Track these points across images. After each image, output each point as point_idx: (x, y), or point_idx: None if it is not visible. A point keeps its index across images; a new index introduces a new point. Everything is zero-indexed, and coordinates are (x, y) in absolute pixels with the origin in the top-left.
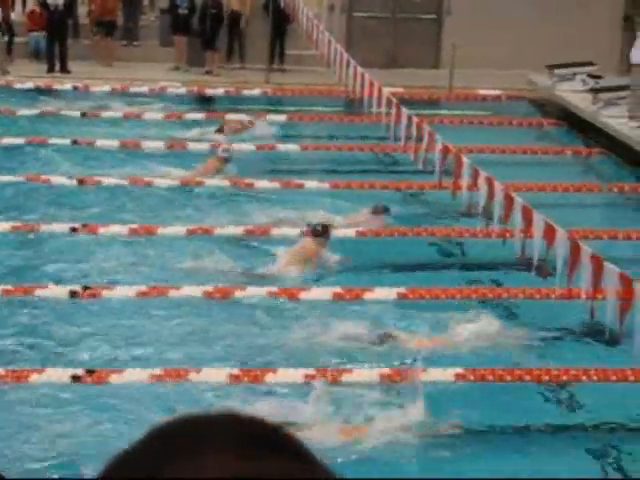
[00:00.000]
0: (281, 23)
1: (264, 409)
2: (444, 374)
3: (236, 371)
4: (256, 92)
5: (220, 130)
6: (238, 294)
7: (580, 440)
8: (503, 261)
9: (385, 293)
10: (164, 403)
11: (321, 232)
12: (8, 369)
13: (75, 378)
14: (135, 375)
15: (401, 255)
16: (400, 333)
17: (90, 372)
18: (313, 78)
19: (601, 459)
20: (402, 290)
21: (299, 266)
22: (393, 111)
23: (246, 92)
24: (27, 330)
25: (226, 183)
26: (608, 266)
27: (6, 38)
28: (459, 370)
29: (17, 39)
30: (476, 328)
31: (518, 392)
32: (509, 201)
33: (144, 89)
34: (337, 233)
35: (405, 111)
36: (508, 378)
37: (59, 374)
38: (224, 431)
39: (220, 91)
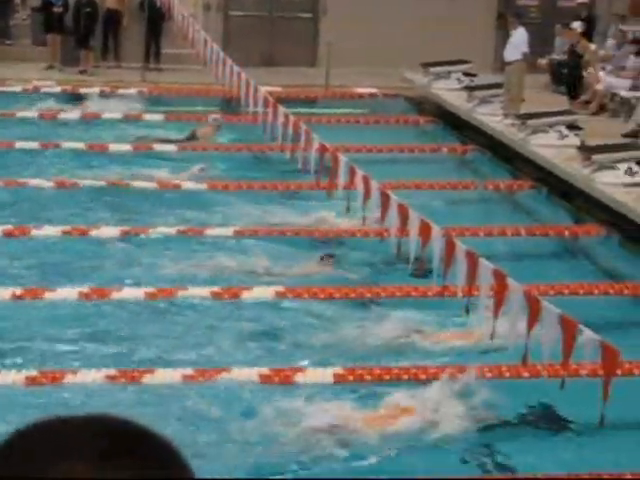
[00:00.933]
0: (157, 22)
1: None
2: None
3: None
4: (132, 91)
5: (193, 137)
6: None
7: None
8: (380, 260)
9: (262, 291)
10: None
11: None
12: None
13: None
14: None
15: (281, 255)
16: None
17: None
18: (190, 77)
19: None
20: (280, 289)
21: None
22: (270, 110)
23: (122, 91)
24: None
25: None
26: (483, 262)
27: None
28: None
29: None
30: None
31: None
32: (385, 199)
33: (17, 88)
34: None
35: (282, 110)
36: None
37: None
38: (83, 437)
39: (95, 90)
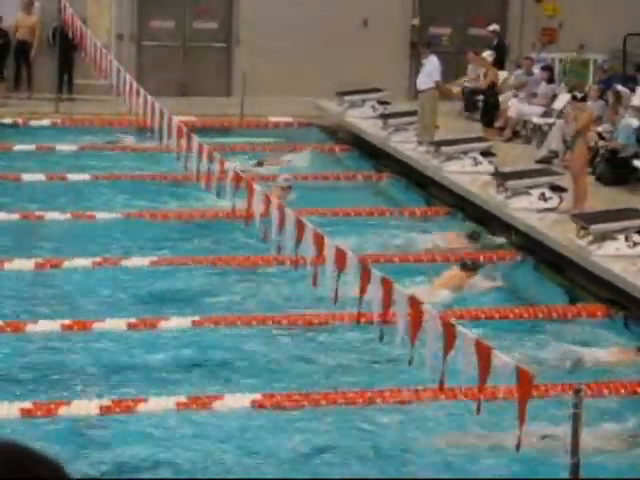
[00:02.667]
0: (69, 52)
1: None
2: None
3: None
4: (45, 122)
5: (260, 164)
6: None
7: None
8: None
9: (181, 321)
10: None
11: (471, 267)
12: None
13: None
14: None
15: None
16: None
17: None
18: (103, 108)
19: None
20: (197, 318)
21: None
22: (184, 140)
23: (35, 122)
24: None
25: (15, 216)
26: (398, 289)
27: None
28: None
29: None
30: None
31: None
32: (300, 227)
33: None
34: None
35: (196, 139)
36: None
37: None
38: None
39: (8, 121)
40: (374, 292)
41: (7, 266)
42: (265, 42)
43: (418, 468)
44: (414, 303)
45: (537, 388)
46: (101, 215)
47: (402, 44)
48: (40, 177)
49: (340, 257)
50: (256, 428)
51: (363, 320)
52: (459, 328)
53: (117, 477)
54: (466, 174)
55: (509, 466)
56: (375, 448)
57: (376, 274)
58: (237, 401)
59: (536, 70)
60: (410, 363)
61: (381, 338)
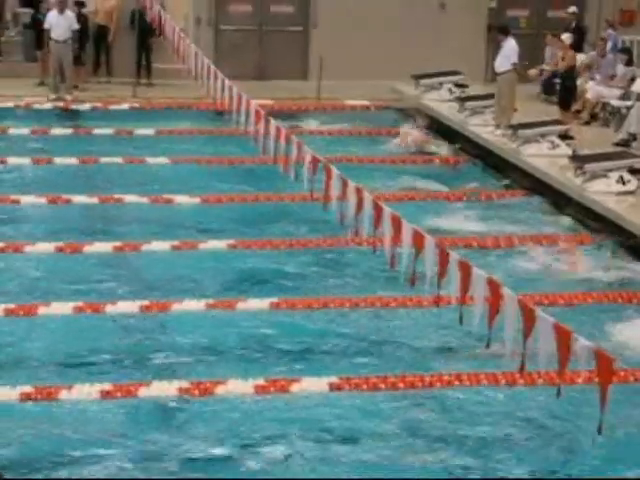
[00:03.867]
0: (147, 37)
1: None
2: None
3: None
4: (124, 106)
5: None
6: None
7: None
8: (374, 270)
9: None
10: None
11: None
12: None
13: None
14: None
15: (273, 267)
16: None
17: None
18: (181, 92)
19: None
20: (275, 300)
21: None
22: (262, 123)
23: (113, 107)
24: None
25: (94, 200)
26: (476, 272)
27: None
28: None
29: None
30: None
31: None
32: (377, 211)
33: (9, 104)
34: None
35: (273, 123)
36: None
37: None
38: None
39: (87, 106)
40: (452, 274)
41: (87, 249)
42: (341, 25)
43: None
44: (493, 286)
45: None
46: (180, 199)
47: (479, 27)
48: (118, 160)
49: (418, 239)
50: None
51: (441, 303)
52: (538, 312)
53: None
54: (544, 157)
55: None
56: (453, 432)
57: (454, 256)
58: (315, 384)
59: (609, 52)
60: (488, 346)
61: (460, 321)
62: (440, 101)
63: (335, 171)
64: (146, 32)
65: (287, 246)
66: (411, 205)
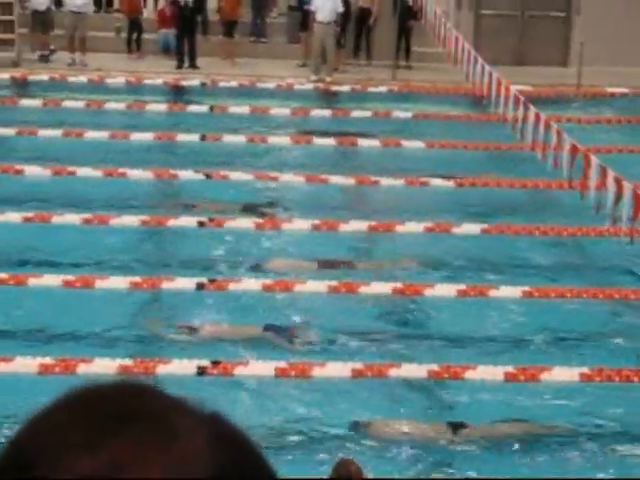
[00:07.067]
0: (408, 20)
1: None
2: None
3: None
4: (382, 89)
5: None
6: None
7: None
8: (632, 261)
9: (510, 291)
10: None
11: None
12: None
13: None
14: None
15: (525, 255)
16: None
17: (215, 364)
18: (439, 76)
19: None
20: (526, 289)
21: None
22: (520, 109)
23: (372, 89)
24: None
25: (350, 181)
26: None
27: (134, 36)
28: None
29: (148, 36)
30: None
31: None
32: (638, 200)
33: (271, 85)
34: None
35: (533, 110)
36: None
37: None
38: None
39: (346, 88)
40: None
41: (342, 228)
42: (606, 11)
43: None
44: None
45: None
46: (435, 182)
47: None
48: (375, 143)
49: None
50: None
51: None
52: None
53: None
54: None
55: None
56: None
57: None
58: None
59: None
60: None
61: None
62: None
63: (595, 160)
64: (407, 15)
65: (541, 233)
66: None
